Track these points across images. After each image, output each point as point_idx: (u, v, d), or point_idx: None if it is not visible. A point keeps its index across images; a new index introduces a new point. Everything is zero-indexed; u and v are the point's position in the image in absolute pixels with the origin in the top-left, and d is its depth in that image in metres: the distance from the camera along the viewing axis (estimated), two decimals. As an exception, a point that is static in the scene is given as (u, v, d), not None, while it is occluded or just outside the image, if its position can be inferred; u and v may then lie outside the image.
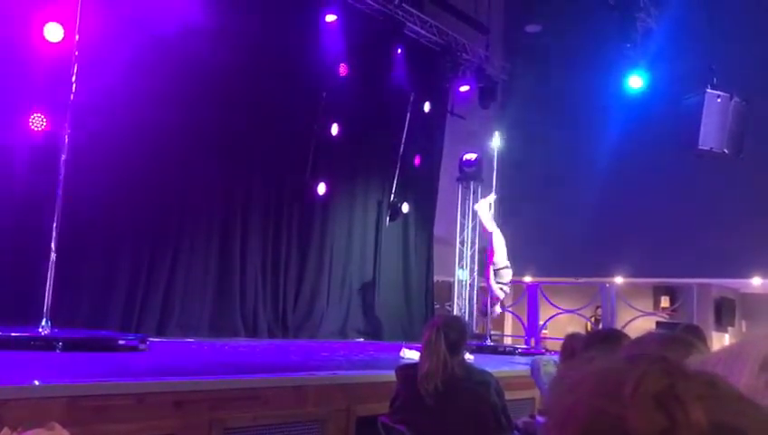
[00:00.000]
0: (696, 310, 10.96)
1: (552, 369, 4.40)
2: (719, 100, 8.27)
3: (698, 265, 10.72)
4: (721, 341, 12.14)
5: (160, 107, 7.50)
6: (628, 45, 10.00)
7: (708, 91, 8.24)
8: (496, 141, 10.31)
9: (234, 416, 3.86)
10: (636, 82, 10.35)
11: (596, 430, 0.51)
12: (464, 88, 11.59)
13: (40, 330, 5.23)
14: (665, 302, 13.50)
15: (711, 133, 8.21)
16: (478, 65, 11.72)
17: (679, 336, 1.48)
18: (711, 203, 10.66)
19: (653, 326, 10.38)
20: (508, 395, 4.06)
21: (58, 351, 4.97)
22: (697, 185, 10.59)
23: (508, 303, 14.04)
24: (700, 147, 8.21)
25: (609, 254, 11.32)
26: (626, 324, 10.26)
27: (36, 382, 3.36)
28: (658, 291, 13.76)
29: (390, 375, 4.14)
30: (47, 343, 5.04)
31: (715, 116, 8.23)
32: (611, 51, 10.36)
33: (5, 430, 1.60)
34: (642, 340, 1.42)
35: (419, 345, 3.78)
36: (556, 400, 0.57)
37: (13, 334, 5.13)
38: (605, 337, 2.45)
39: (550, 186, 12.09)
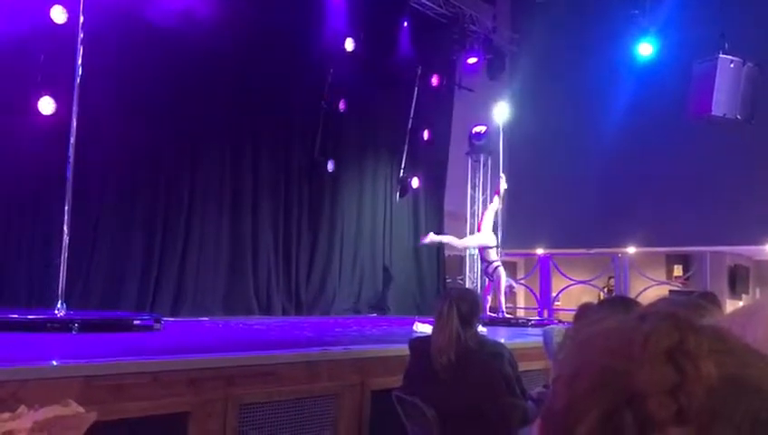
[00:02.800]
0: (710, 278, 10.91)
1: (562, 339, 4.40)
2: (732, 65, 8.15)
3: (711, 233, 10.65)
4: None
5: (166, 87, 7.50)
6: (638, 12, 9.85)
7: (721, 56, 8.12)
8: (500, 110, 10.23)
9: (249, 392, 3.89)
10: (646, 49, 10.21)
11: (605, 387, 0.50)
12: (471, 60, 11.48)
13: (56, 312, 5.29)
14: (678, 271, 13.45)
15: (724, 99, 8.11)
16: (486, 36, 11.59)
17: (693, 301, 1.46)
18: (723, 170, 10.54)
19: (666, 295, 10.35)
20: (522, 366, 4.07)
21: (74, 332, 5.03)
22: (709, 152, 10.47)
23: (520, 275, 14.05)
24: (713, 113, 8.12)
25: (621, 224, 11.26)
26: (639, 294, 10.23)
27: (54, 363, 3.41)
28: (671, 260, 13.69)
29: (404, 349, 4.15)
30: (63, 325, 5.10)
31: (728, 82, 8.12)
32: (620, 18, 10.21)
33: (22, 407, 1.62)
34: (656, 305, 1.41)
35: (432, 319, 3.79)
36: (565, 360, 0.56)
37: (29, 317, 5.20)
38: (617, 303, 2.44)
39: (560, 156, 12.00)
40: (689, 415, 0.47)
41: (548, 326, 4.97)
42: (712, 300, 3.18)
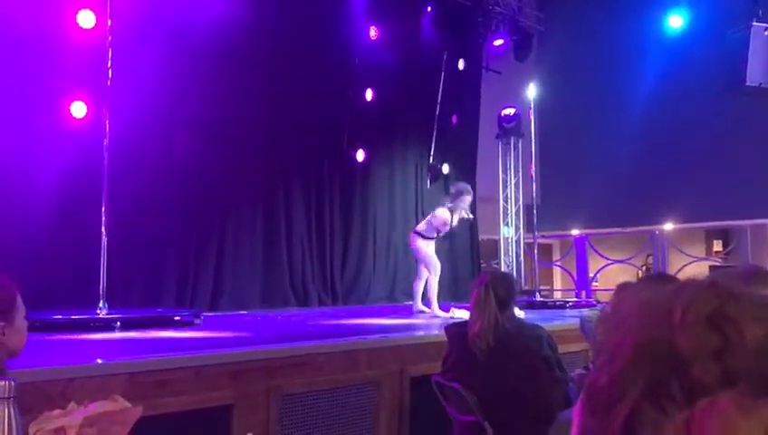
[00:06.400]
0: (751, 252, 10.68)
1: (597, 319, 4.34)
2: (766, 33, 7.94)
3: (751, 206, 10.43)
4: (779, 282, 11.81)
5: (196, 84, 7.55)
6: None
7: (755, 24, 7.92)
8: (532, 92, 10.11)
9: (289, 383, 3.93)
10: (676, 21, 10.00)
11: (646, 358, 0.49)
12: (498, 42, 11.36)
13: (98, 311, 5.40)
14: (717, 246, 13.21)
15: (759, 68, 7.91)
16: (511, 17, 11.45)
17: (763, 270, 1.44)
18: (760, 141, 10.31)
19: (706, 272, 10.17)
20: (561, 348, 4.04)
21: (116, 330, 5.13)
22: (745, 123, 10.24)
23: (556, 257, 13.93)
24: (748, 83, 7.93)
25: (657, 200, 11.08)
26: (678, 271, 10.08)
27: (98, 361, 3.48)
28: (711, 235, 13.45)
29: (441, 335, 4.16)
30: (106, 324, 5.21)
31: (762, 50, 7.92)
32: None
33: (72, 404, 1.66)
34: (727, 273, 1.41)
35: (468, 304, 3.78)
36: (605, 335, 0.56)
37: (73, 317, 5.31)
38: (657, 280, 2.40)
39: (592, 134, 11.84)
40: (737, 377, 0.46)
41: (583, 312, 4.92)
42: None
